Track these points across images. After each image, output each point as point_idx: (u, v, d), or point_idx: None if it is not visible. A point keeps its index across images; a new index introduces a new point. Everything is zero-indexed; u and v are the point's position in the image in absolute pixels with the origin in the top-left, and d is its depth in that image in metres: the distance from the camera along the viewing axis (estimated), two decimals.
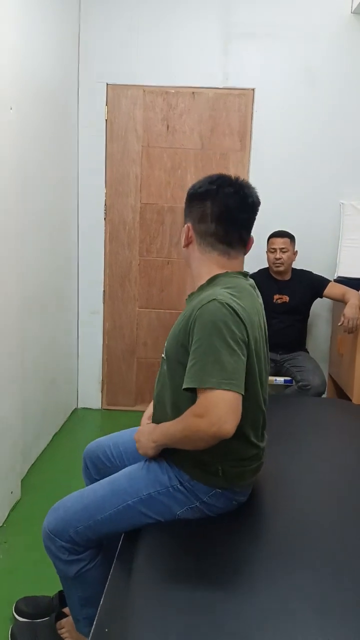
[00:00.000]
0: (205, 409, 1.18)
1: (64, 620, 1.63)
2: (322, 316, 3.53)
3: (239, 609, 1.09)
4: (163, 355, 1.45)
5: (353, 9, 3.21)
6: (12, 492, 2.31)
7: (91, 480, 1.69)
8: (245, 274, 1.44)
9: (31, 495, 2.46)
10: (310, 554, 1.26)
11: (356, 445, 2.02)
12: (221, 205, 1.37)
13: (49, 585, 1.86)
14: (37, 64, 2.56)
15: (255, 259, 3.27)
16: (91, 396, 3.63)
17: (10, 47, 2.08)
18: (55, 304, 3.02)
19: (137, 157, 3.42)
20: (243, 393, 1.20)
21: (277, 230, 3.13)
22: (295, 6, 3.25)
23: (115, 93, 3.36)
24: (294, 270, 3.20)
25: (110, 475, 1.59)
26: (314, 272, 3.20)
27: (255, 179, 3.38)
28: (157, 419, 1.45)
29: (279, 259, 3.07)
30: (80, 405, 3.63)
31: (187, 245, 1.44)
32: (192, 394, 1.24)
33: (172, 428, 1.29)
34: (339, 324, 2.88)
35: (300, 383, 2.96)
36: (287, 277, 3.17)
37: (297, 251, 3.15)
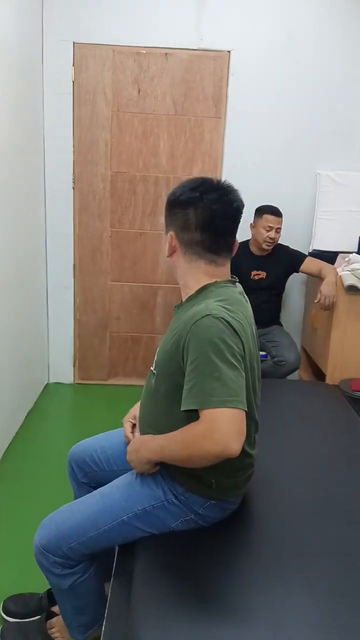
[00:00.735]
0: (210, 429, 1.14)
1: (54, 620, 1.62)
2: (296, 288, 3.52)
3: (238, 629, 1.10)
4: (152, 370, 1.39)
5: None
6: None
7: (78, 483, 1.65)
8: (234, 281, 1.38)
9: (9, 483, 2.42)
10: (304, 565, 1.28)
11: (335, 433, 2.05)
12: (205, 213, 1.30)
13: (37, 580, 1.85)
14: None
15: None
16: (63, 371, 3.56)
17: None
18: (22, 279, 2.89)
19: (106, 123, 3.24)
20: (246, 409, 1.17)
21: (269, 205, 3.02)
22: None
23: (82, 53, 3.14)
24: None
25: (97, 479, 1.56)
26: (290, 246, 3.16)
27: (231, 147, 3.28)
28: (146, 433, 1.41)
29: (273, 238, 3.00)
30: (52, 380, 3.56)
31: (171, 254, 1.37)
32: (189, 414, 1.20)
33: (172, 446, 1.24)
34: (316, 300, 2.87)
35: (275, 359, 2.96)
36: (265, 252, 3.12)
37: None
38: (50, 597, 1.66)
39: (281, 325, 3.28)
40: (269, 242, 3.02)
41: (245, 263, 3.11)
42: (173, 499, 1.34)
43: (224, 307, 1.22)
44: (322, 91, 3.23)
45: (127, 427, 1.57)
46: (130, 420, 1.59)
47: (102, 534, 1.32)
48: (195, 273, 1.34)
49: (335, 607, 1.16)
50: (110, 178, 3.31)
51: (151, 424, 1.38)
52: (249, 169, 3.30)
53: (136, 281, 3.45)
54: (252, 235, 3.08)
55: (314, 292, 3.25)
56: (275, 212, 3.01)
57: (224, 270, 1.37)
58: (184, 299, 1.37)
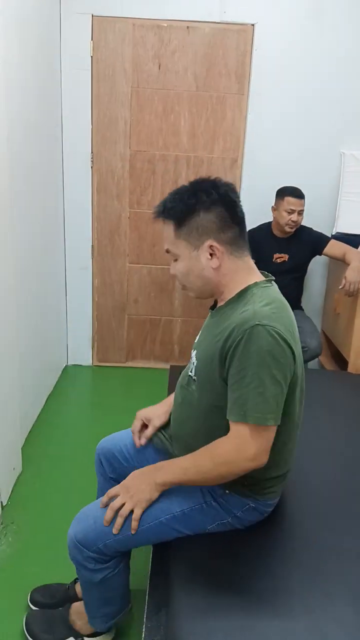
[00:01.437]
0: (245, 443, 1.17)
1: (73, 606, 1.61)
2: (317, 272, 3.45)
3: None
4: (192, 376, 1.36)
5: None
6: (14, 468, 2.27)
7: (105, 478, 1.64)
8: (271, 280, 1.33)
9: (33, 467, 2.42)
10: (345, 570, 1.26)
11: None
12: (231, 205, 1.26)
13: (63, 567, 1.87)
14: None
15: (254, 212, 3.14)
16: (82, 353, 3.55)
17: None
18: (41, 260, 2.84)
19: (126, 100, 3.15)
20: (278, 421, 1.19)
21: (291, 187, 2.95)
22: None
23: (101, 27, 3.03)
24: None
25: (126, 475, 1.54)
26: (313, 228, 3.09)
27: (253, 125, 3.19)
28: (183, 441, 1.40)
29: (295, 221, 2.93)
30: (70, 362, 3.56)
31: (218, 267, 1.27)
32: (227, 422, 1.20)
33: (200, 465, 1.24)
34: (340, 286, 2.81)
35: None
36: (288, 235, 3.05)
37: None
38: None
39: (302, 310, 3.24)
40: (291, 225, 2.95)
41: (267, 246, 3.05)
42: (212, 501, 1.32)
43: (272, 313, 1.18)
44: (349, 67, 3.11)
45: (137, 424, 1.57)
46: (143, 419, 1.58)
47: (139, 533, 1.31)
48: (240, 273, 1.29)
49: None
50: (130, 157, 3.23)
51: (190, 433, 1.36)
52: (272, 148, 3.21)
53: (155, 263, 3.41)
54: (274, 217, 3.02)
55: (335, 275, 3.19)
56: (297, 194, 2.93)
57: (255, 267, 1.33)
58: (221, 303, 1.32)
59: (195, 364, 1.35)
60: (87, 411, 3.12)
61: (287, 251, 3.05)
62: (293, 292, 3.15)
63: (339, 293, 3.01)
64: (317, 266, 3.40)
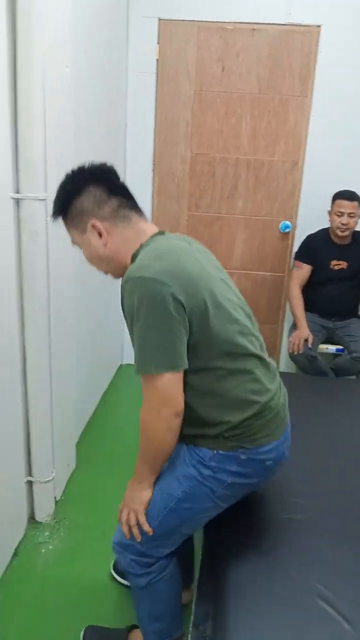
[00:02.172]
0: (146, 397, 1.21)
1: (132, 634, 1.61)
2: None
3: None
4: None
5: None
6: (68, 465, 2.32)
7: None
8: (162, 232, 1.33)
9: (87, 464, 2.48)
10: None
11: None
12: (102, 181, 1.28)
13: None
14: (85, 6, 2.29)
15: (314, 217, 3.10)
16: None
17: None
18: None
19: (188, 102, 3.16)
20: (179, 368, 1.18)
21: (344, 190, 2.89)
22: None
23: (167, 30, 3.05)
24: (353, 233, 3.01)
25: None
26: None
27: (317, 128, 3.13)
28: None
29: (346, 224, 2.86)
30: (125, 361, 3.61)
31: (106, 243, 1.28)
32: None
33: (139, 443, 1.28)
34: None
35: (353, 354, 2.86)
36: (348, 241, 2.99)
37: None
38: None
39: (359, 318, 3.16)
40: (341, 228, 2.88)
41: (325, 252, 3.00)
42: (204, 469, 1.29)
43: (147, 263, 1.18)
44: None
45: None
46: None
47: (160, 525, 1.31)
48: (131, 241, 1.28)
49: None
50: (190, 160, 3.24)
51: None
52: (334, 151, 3.15)
53: None
54: (329, 222, 2.96)
55: None
56: (348, 196, 2.86)
57: (148, 228, 1.32)
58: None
59: None
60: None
61: (346, 258, 2.98)
62: (351, 301, 3.09)
63: None
64: None
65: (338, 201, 2.86)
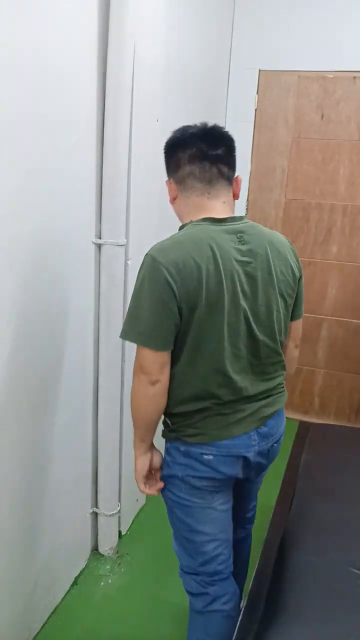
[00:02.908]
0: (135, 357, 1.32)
1: None
2: None
3: None
4: None
5: None
6: (137, 500, 2.37)
7: None
8: (215, 219, 1.31)
9: (155, 501, 2.48)
10: None
11: None
12: (191, 146, 1.34)
13: (168, 605, 1.90)
14: (187, 52, 2.43)
15: None
16: None
17: (159, 49, 1.97)
18: None
19: (285, 149, 3.19)
20: (154, 347, 1.26)
21: None
22: None
23: (267, 80, 3.13)
24: None
25: None
26: None
27: None
28: None
29: None
30: None
31: (173, 200, 1.41)
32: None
33: (133, 416, 1.40)
34: None
35: None
36: None
37: None
38: None
39: None
40: None
41: None
42: (167, 457, 1.42)
43: (167, 246, 1.26)
44: None
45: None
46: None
47: (179, 532, 1.48)
48: (187, 212, 1.37)
49: None
50: (284, 205, 3.26)
51: None
52: None
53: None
54: None
55: None
56: None
57: (218, 205, 1.35)
58: None
59: None
60: None
61: None
62: None
63: None
64: None
65: None
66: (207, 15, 2.66)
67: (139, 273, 1.26)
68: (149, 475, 1.45)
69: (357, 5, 2.90)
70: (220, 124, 3.16)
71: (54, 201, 1.53)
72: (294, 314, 1.47)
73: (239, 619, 1.35)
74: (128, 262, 1.91)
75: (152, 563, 2.13)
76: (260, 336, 1.35)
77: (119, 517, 2.17)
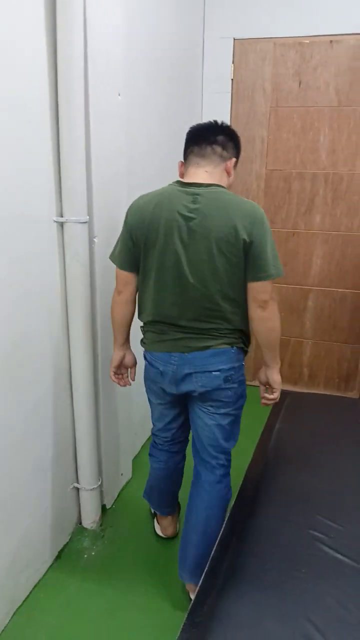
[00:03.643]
0: None
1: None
2: None
3: None
4: None
5: None
6: (122, 474, 2.41)
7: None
8: (184, 183, 1.69)
9: (142, 474, 2.54)
10: None
11: None
12: (197, 135, 1.76)
13: (151, 577, 1.95)
14: (154, 21, 2.39)
15: None
16: None
17: (118, 17, 1.93)
18: None
19: (264, 119, 3.14)
20: (119, 267, 1.77)
21: None
22: None
23: (242, 49, 3.07)
24: None
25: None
26: None
27: None
28: None
29: None
30: None
31: (180, 176, 1.78)
32: None
33: None
34: None
35: None
36: None
37: None
38: None
39: None
40: None
41: None
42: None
43: (141, 196, 1.74)
44: None
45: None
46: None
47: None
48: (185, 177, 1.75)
49: None
50: (265, 176, 3.22)
51: None
52: None
53: (286, 283, 3.33)
54: None
55: None
56: None
57: (199, 172, 1.70)
58: None
59: None
60: None
61: None
62: None
63: None
64: None
65: None
66: None
67: None
68: (121, 369, 1.95)
69: None
70: (197, 96, 3.14)
71: (10, 181, 1.52)
72: (248, 276, 1.62)
73: (200, 583, 1.39)
74: (94, 239, 1.91)
75: (136, 534, 2.18)
76: (191, 279, 1.63)
77: (101, 491, 2.21)
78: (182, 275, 1.63)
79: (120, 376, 1.95)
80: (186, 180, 1.69)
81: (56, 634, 1.74)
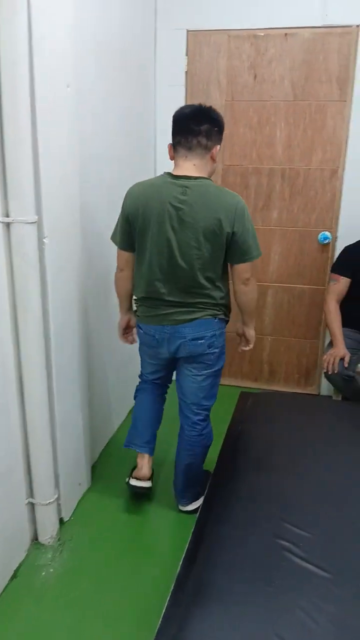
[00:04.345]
0: None
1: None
2: None
3: None
4: None
5: None
6: (80, 484, 2.31)
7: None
8: (174, 175, 1.90)
9: (102, 483, 2.45)
10: None
11: None
12: (182, 123, 1.92)
13: (114, 592, 1.86)
14: (103, 12, 2.28)
15: (357, 228, 2.94)
16: None
17: (65, 6, 1.83)
18: None
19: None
20: (119, 247, 2.05)
21: None
22: None
23: (196, 40, 3.00)
24: None
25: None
26: None
27: (357, 133, 2.95)
28: None
29: None
30: None
31: (171, 158, 1.97)
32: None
33: None
34: None
35: None
36: None
37: None
38: None
39: None
40: None
41: None
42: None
43: (137, 183, 2.00)
44: None
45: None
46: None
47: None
48: (174, 165, 1.95)
49: None
50: (222, 172, 3.16)
51: None
52: None
53: None
54: None
55: None
56: None
57: (188, 166, 1.91)
58: None
59: None
60: (167, 423, 3.09)
61: None
62: None
63: None
64: None
65: None
66: None
67: None
68: (128, 330, 2.31)
69: None
70: (150, 87, 3.05)
71: None
72: (234, 259, 1.95)
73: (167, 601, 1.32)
74: (45, 240, 1.81)
75: (96, 546, 2.09)
76: (180, 261, 1.89)
77: (59, 504, 2.10)
78: (173, 257, 1.89)
79: (127, 336, 2.32)
80: (176, 172, 1.90)
81: None
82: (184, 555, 1.43)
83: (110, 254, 2.17)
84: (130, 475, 2.31)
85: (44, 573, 1.95)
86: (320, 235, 3.15)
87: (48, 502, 2.00)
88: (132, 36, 2.67)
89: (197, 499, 2.23)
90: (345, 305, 2.89)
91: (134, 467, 2.33)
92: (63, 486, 2.12)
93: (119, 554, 2.06)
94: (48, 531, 2.05)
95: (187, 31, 2.98)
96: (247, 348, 2.27)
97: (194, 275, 1.90)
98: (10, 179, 1.64)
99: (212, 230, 1.84)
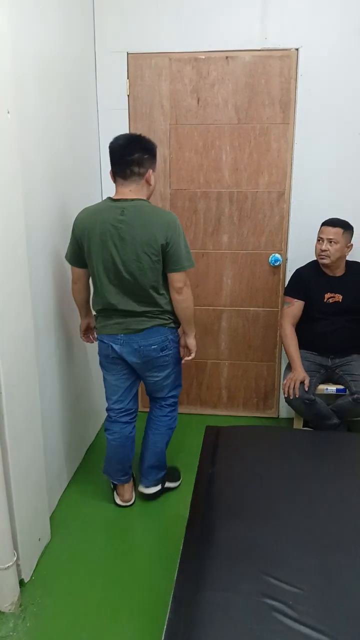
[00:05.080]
0: None
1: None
2: None
3: None
4: None
5: None
6: (39, 539, 2.13)
7: None
8: (113, 199, 2.14)
9: (63, 533, 2.28)
10: None
11: None
12: (116, 153, 2.15)
13: None
14: (41, 36, 2.16)
15: (304, 249, 2.93)
16: None
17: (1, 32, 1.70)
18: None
19: (164, 138, 3.02)
20: (70, 263, 2.27)
21: (331, 217, 2.73)
22: None
23: (137, 63, 2.93)
24: (348, 263, 2.81)
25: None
26: None
27: (301, 155, 2.96)
28: None
29: (325, 250, 2.69)
30: None
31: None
32: None
33: None
34: None
35: (355, 396, 2.63)
36: (340, 272, 2.79)
37: (352, 244, 2.75)
38: None
39: None
40: (322, 256, 2.71)
41: (317, 285, 2.80)
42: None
43: (85, 209, 2.21)
44: None
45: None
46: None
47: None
48: (115, 191, 2.18)
49: None
50: (170, 197, 3.09)
51: None
52: (321, 179, 2.97)
53: (199, 304, 3.21)
54: None
55: None
56: (330, 222, 2.72)
57: (125, 191, 2.14)
58: None
59: None
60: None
61: (341, 290, 2.78)
62: (349, 336, 2.86)
63: None
64: None
65: (321, 228, 2.74)
66: (59, 5, 2.39)
67: None
68: (88, 332, 2.53)
69: None
70: (92, 112, 2.94)
71: None
72: (167, 268, 2.14)
73: None
74: None
75: (61, 610, 1.92)
76: (124, 274, 2.11)
77: (18, 565, 1.92)
78: (118, 271, 2.11)
79: (88, 336, 2.54)
80: (115, 197, 2.13)
81: None
82: (164, 631, 1.29)
83: (64, 281, 2.03)
84: (116, 492, 2.50)
85: None
86: (271, 258, 3.12)
87: (7, 565, 1.83)
88: (72, 59, 2.56)
89: (159, 484, 2.50)
90: (301, 327, 2.88)
91: (114, 487, 2.52)
92: (22, 545, 1.94)
93: (86, 614, 1.90)
94: (8, 598, 1.87)
95: (128, 54, 2.90)
96: (190, 357, 2.38)
97: (140, 285, 2.12)
98: None
99: (148, 244, 2.06)
